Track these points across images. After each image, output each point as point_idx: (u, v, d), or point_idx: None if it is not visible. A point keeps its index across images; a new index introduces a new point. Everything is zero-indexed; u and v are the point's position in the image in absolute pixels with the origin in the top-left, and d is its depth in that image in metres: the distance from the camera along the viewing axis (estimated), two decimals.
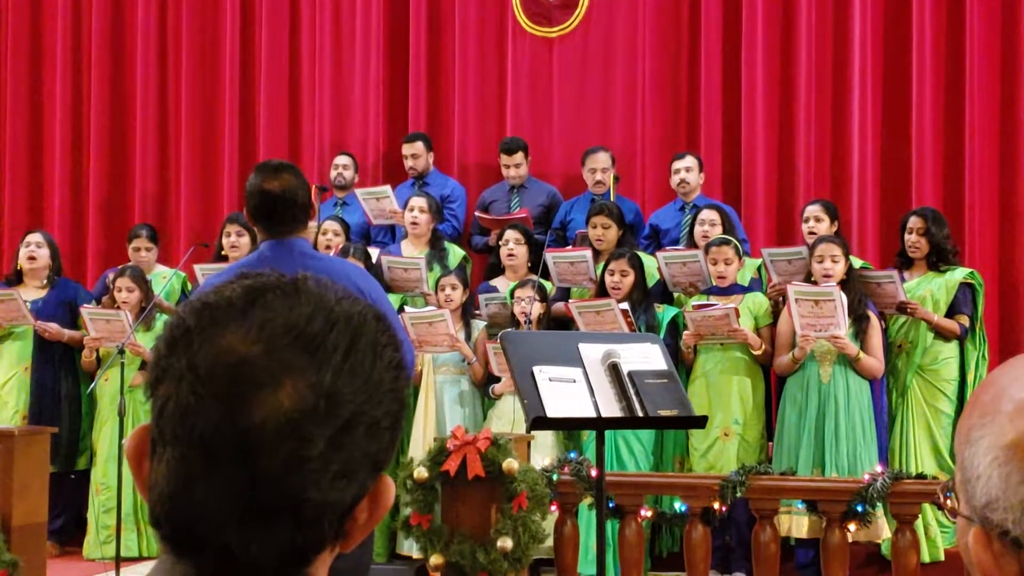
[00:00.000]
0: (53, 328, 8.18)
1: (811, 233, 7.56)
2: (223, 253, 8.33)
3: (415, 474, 5.80)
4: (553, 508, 5.89)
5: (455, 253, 8.45)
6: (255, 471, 1.07)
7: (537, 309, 7.45)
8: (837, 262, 7.04)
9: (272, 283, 1.14)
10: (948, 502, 1.22)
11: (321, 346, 1.10)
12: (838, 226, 7.77)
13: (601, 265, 7.64)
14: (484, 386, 7.69)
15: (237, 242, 8.29)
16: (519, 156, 8.77)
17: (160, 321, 8.10)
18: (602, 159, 8.59)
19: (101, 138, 10.12)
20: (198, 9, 10.06)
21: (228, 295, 1.13)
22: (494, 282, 8.24)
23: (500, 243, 8.17)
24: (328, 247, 8.27)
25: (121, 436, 7.37)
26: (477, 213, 8.81)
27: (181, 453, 1.09)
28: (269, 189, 4.20)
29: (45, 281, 8.42)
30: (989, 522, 1.14)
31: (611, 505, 5.72)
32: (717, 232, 7.61)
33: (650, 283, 7.63)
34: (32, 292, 8.34)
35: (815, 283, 7.04)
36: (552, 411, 4.17)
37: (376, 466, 1.14)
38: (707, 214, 7.78)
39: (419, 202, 8.35)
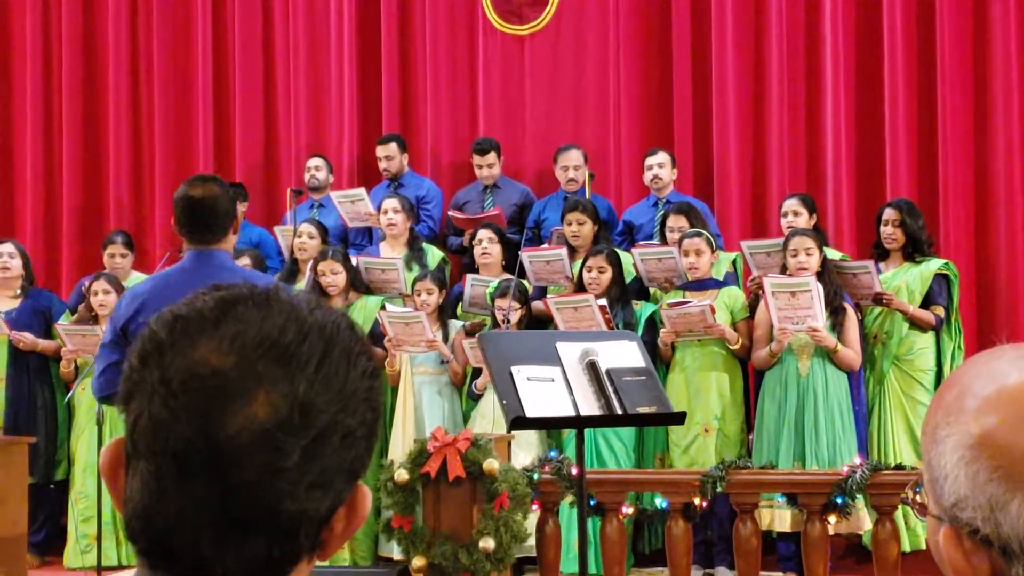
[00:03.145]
0: (28, 338, 8.14)
1: (790, 227, 7.57)
2: None
3: (396, 476, 5.80)
4: (534, 507, 5.89)
5: (433, 254, 8.44)
6: (229, 483, 1.07)
7: (516, 316, 7.43)
8: (811, 255, 7.05)
9: (245, 294, 1.14)
10: (918, 497, 1.22)
11: (294, 356, 1.10)
12: (816, 219, 7.78)
13: (578, 262, 7.64)
14: (462, 385, 7.69)
15: None
16: (491, 156, 8.78)
17: None
18: (574, 157, 8.60)
19: (74, 145, 10.07)
20: (170, 13, 10.02)
21: (200, 307, 1.13)
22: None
23: (473, 243, 8.17)
24: (303, 249, 8.26)
25: (99, 445, 7.34)
26: (450, 213, 8.81)
27: (155, 466, 1.08)
28: (192, 195, 4.32)
29: (18, 291, 8.38)
30: (958, 521, 1.15)
31: (592, 503, 5.73)
32: None
33: (627, 279, 7.63)
34: (5, 302, 8.29)
35: (791, 276, 7.05)
36: (531, 411, 4.18)
37: (352, 475, 1.13)
38: (674, 220, 7.74)
39: (392, 203, 8.34)
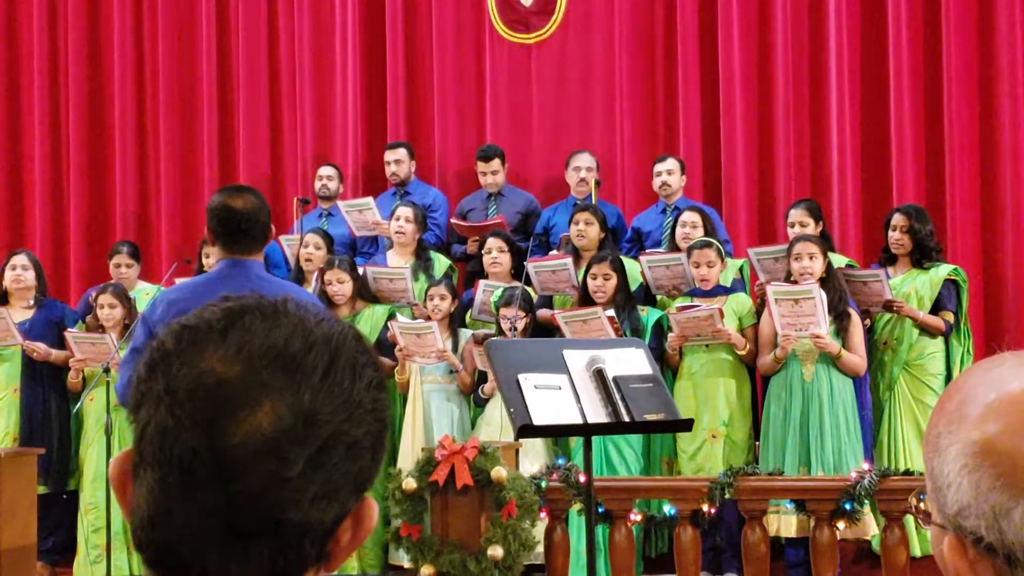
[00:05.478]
0: (41, 348, 8.14)
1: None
2: (204, 271, 8.31)
3: (404, 485, 5.81)
4: (543, 515, 5.89)
5: (440, 262, 8.44)
6: (234, 493, 1.07)
7: (521, 325, 7.43)
8: (815, 259, 7.04)
9: (252, 305, 1.14)
10: (921, 505, 1.22)
11: (300, 366, 1.10)
12: (823, 227, 7.78)
13: (583, 269, 7.63)
14: (471, 394, 7.69)
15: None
16: (496, 163, 8.78)
17: None
18: (585, 159, 8.61)
19: (80, 156, 10.11)
20: (175, 25, 10.05)
21: (208, 317, 1.13)
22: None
23: (483, 252, 8.16)
24: (309, 259, 8.26)
25: (108, 455, 7.34)
26: (454, 221, 8.81)
27: (161, 476, 1.09)
28: (233, 206, 4.32)
29: (32, 302, 8.38)
30: (962, 529, 1.14)
31: (600, 510, 5.72)
32: (699, 234, 7.61)
33: (633, 287, 7.63)
34: (19, 313, 8.29)
35: (794, 282, 7.05)
36: (539, 419, 4.17)
37: (358, 486, 1.13)
38: (688, 216, 7.78)
39: (406, 212, 8.34)
